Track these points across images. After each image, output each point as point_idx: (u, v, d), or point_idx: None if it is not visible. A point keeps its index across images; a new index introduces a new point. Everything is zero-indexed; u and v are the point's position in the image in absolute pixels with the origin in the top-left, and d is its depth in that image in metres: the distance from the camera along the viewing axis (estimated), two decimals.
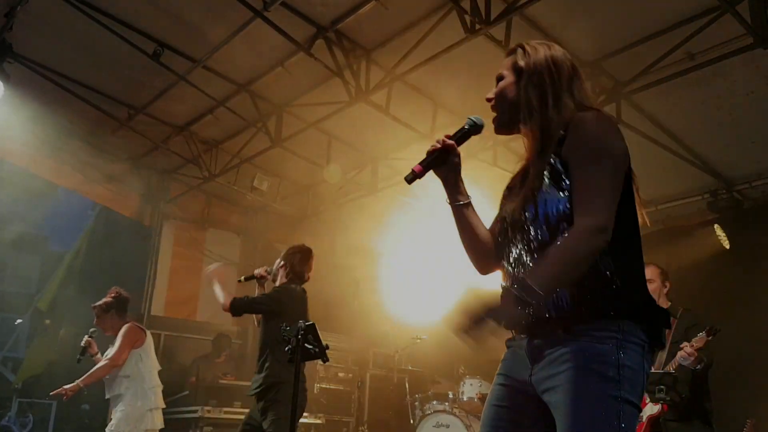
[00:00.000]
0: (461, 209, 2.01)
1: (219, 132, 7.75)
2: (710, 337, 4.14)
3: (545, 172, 1.84)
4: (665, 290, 4.53)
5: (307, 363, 3.54)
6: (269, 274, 4.83)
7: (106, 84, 6.93)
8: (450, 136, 1.98)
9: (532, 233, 1.84)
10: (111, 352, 5.18)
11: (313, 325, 3.16)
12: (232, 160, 7.99)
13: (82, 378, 4.99)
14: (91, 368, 5.17)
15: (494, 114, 2.02)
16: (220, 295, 4.65)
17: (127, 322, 5.33)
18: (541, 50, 1.96)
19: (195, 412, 6.66)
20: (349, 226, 9.43)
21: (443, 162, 1.97)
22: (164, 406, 5.33)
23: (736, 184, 7.02)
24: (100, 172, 8.15)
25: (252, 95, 6.85)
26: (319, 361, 3.55)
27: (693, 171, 6.81)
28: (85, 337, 5.33)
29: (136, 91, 6.98)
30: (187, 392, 7.35)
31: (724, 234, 7.05)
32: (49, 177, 7.85)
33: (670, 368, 4.21)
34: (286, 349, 3.36)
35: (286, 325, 3.57)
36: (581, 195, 1.77)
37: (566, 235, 1.75)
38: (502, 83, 1.99)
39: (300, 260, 4.75)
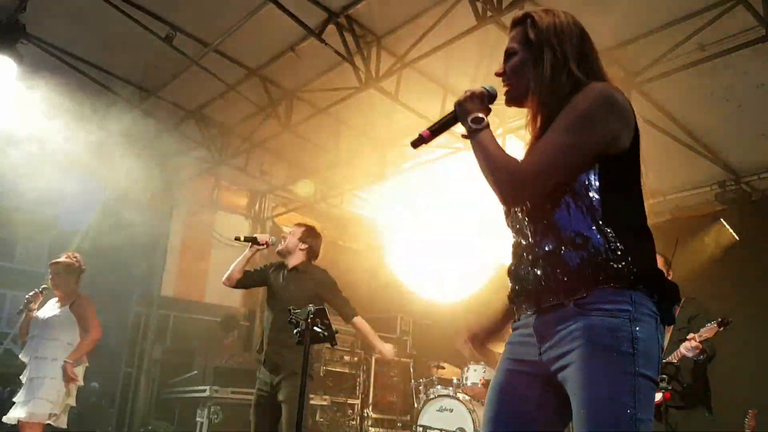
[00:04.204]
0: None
1: (230, 116, 7.80)
2: (721, 329, 4.10)
3: None
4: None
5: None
6: (271, 244, 4.80)
7: (118, 66, 6.98)
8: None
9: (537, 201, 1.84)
10: (87, 327, 5.03)
11: (323, 309, 3.21)
12: (243, 145, 8.03)
13: (69, 355, 4.92)
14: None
15: (505, 87, 1.97)
16: None
17: (78, 293, 5.22)
18: (546, 20, 1.93)
19: (203, 391, 6.76)
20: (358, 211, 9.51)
21: (451, 126, 1.96)
22: (82, 384, 5.14)
23: (744, 175, 7.01)
24: (111, 153, 8.20)
25: (263, 80, 6.88)
26: (327, 344, 3.59)
27: (702, 162, 6.80)
28: (35, 290, 5.21)
29: (148, 74, 7.03)
30: (195, 372, 7.45)
31: (730, 229, 7.05)
32: (60, 157, 7.91)
33: (674, 359, 4.23)
34: (295, 332, 3.39)
35: (294, 307, 3.61)
36: (532, 146, 1.83)
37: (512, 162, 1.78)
38: (515, 59, 1.95)
39: (319, 243, 4.88)
